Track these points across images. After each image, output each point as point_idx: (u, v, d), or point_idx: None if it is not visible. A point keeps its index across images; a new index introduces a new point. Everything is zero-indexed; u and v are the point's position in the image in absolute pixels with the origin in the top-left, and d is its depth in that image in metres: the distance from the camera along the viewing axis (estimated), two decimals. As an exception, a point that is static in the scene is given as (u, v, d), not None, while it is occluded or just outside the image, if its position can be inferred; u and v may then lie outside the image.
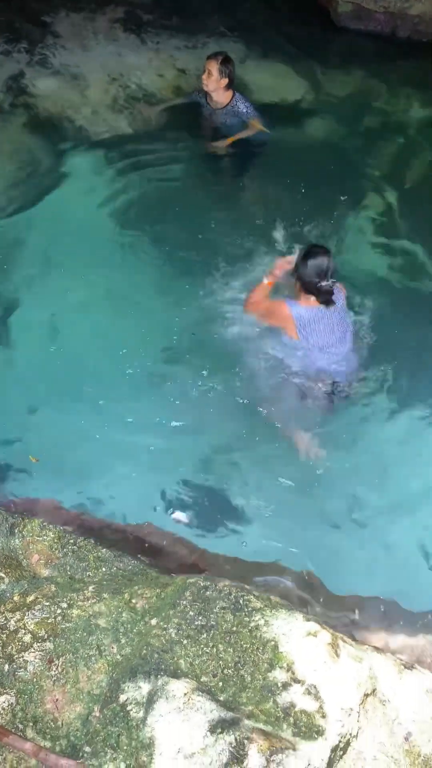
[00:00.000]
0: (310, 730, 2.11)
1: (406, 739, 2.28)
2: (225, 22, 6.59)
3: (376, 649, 2.58)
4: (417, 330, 4.40)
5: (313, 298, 3.68)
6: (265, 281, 3.97)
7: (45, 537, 2.87)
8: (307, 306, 3.71)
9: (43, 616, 2.45)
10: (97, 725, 2.11)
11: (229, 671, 2.25)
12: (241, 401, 4.07)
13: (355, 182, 5.30)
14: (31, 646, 2.36)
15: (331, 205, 5.09)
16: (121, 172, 5.25)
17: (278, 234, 4.70)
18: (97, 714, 2.17)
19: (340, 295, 3.82)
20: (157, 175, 5.28)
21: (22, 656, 2.33)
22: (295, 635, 2.35)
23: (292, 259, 3.86)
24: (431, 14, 6.34)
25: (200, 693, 2.13)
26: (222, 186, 5.36)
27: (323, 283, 3.57)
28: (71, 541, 2.87)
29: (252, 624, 2.38)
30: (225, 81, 5.06)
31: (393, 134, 5.76)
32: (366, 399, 4.10)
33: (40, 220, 4.93)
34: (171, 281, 4.66)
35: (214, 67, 4.99)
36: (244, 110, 5.25)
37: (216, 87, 5.08)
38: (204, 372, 4.20)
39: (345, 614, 3.18)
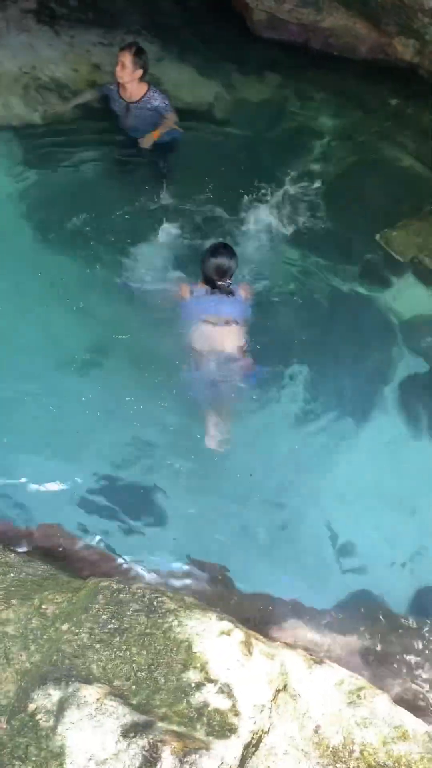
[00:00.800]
0: (223, 728, 2.12)
1: (316, 731, 2.33)
2: (142, 20, 6.52)
3: (287, 645, 2.63)
4: (311, 328, 4.54)
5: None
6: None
7: None
8: (204, 286, 3.99)
9: None
10: (4, 737, 2.04)
11: (143, 674, 2.23)
12: (160, 391, 4.08)
13: (266, 183, 5.39)
14: None
15: (240, 203, 5.17)
16: (30, 164, 5.13)
17: (184, 229, 4.75)
18: (4, 725, 2.09)
19: (237, 296, 4.01)
20: (66, 169, 5.20)
21: None
22: (209, 635, 2.35)
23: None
24: (342, 28, 6.53)
25: (113, 698, 2.10)
26: (131, 181, 5.31)
27: (220, 282, 3.88)
28: (-23, 546, 2.77)
29: (166, 625, 2.37)
30: (139, 72, 4.99)
31: (304, 140, 5.90)
32: (277, 396, 4.20)
33: None
34: (77, 273, 4.61)
35: (127, 57, 4.91)
36: (161, 104, 5.19)
37: (131, 78, 5.00)
38: (122, 364, 4.20)
39: (256, 612, 3.22)
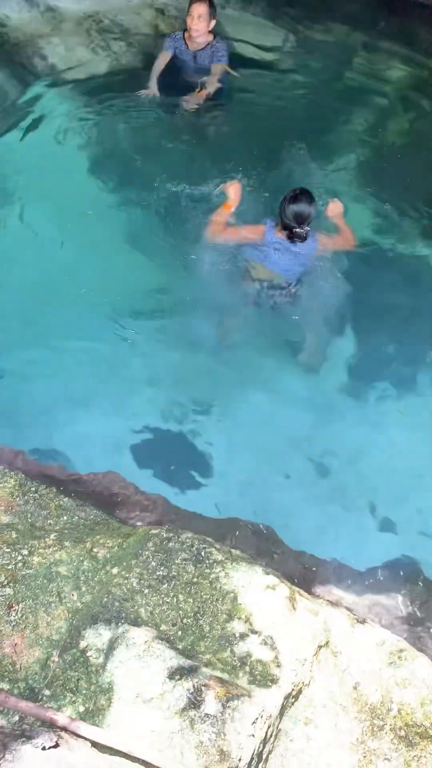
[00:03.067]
0: (265, 678, 2.17)
1: (355, 688, 2.37)
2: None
3: (331, 603, 2.66)
4: (373, 289, 4.45)
5: (283, 234, 3.93)
6: (224, 206, 4.16)
7: (5, 484, 2.84)
8: (277, 235, 3.97)
9: (3, 562, 2.43)
10: (57, 670, 2.14)
11: (189, 621, 2.29)
12: (211, 346, 4.12)
13: (329, 138, 5.25)
14: (-9, 591, 2.35)
15: (302, 158, 5.05)
16: (92, 112, 5.12)
17: (245, 182, 4.68)
18: (56, 659, 2.19)
19: (314, 243, 3.97)
20: (129, 119, 5.14)
21: (-19, 601, 2.32)
22: (254, 588, 2.40)
23: (237, 184, 4.22)
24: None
25: (160, 641, 2.17)
26: (194, 132, 5.24)
27: (298, 230, 3.82)
28: (32, 488, 2.85)
29: (212, 576, 2.42)
30: (213, 23, 4.95)
31: (371, 93, 5.69)
32: (333, 361, 4.16)
33: (5, 159, 4.77)
34: (136, 223, 4.63)
35: (204, 9, 4.86)
36: (220, 53, 5.13)
37: (205, 29, 4.95)
38: (170, 313, 4.23)
39: (299, 569, 3.26)
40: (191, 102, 5.13)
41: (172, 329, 4.25)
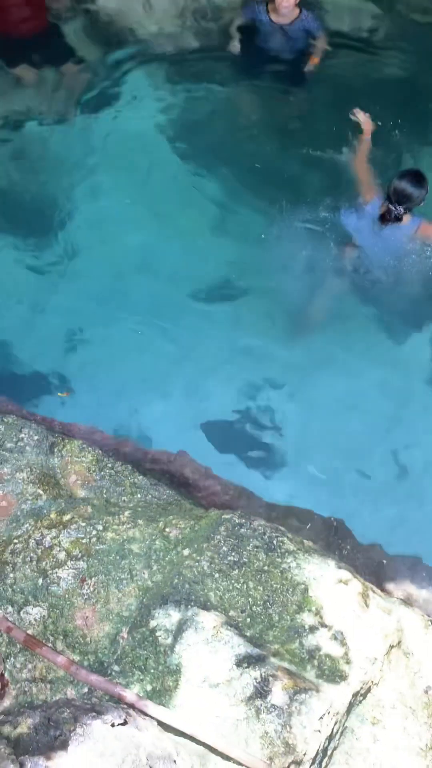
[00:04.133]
0: (333, 674, 2.13)
1: (426, 692, 2.30)
2: None
3: (404, 602, 2.59)
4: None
5: None
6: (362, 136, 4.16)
7: (83, 458, 2.88)
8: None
9: (78, 536, 2.48)
10: (126, 647, 2.16)
11: (258, 609, 2.27)
12: (290, 330, 4.07)
13: (426, 120, 5.02)
14: (65, 564, 2.39)
15: (405, 139, 4.85)
16: (184, 91, 5.06)
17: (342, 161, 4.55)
18: (125, 636, 2.21)
19: (410, 229, 3.80)
20: (221, 96, 5.06)
21: (56, 572, 2.37)
22: (326, 581, 2.35)
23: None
24: None
25: (228, 627, 2.16)
26: (286, 111, 5.12)
27: (392, 207, 3.67)
28: (109, 465, 2.89)
29: (284, 565, 2.38)
30: None
31: None
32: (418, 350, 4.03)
33: (95, 135, 4.81)
34: (221, 203, 4.59)
35: None
36: (314, 25, 4.97)
37: (293, 4, 4.79)
38: (248, 296, 4.19)
39: (370, 564, 3.19)
40: (309, 65, 5.03)
41: (249, 312, 4.20)
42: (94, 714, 1.65)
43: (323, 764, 2.05)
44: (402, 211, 3.67)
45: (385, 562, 3.22)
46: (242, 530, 2.49)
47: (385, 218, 3.73)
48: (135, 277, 4.26)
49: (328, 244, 4.10)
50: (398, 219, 3.73)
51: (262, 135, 4.96)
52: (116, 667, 2.09)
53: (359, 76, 5.33)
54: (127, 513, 2.61)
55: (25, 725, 1.60)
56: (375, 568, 3.16)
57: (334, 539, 3.21)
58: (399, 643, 2.36)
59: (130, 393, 3.78)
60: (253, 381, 3.95)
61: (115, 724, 1.64)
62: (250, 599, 2.29)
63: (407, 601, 2.86)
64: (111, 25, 5.31)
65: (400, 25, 5.62)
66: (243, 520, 2.53)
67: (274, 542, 2.45)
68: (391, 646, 2.31)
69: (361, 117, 4.20)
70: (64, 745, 1.52)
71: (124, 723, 1.67)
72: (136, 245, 4.37)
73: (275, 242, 4.36)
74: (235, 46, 5.09)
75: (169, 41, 5.30)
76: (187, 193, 4.62)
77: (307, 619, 2.26)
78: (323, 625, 2.24)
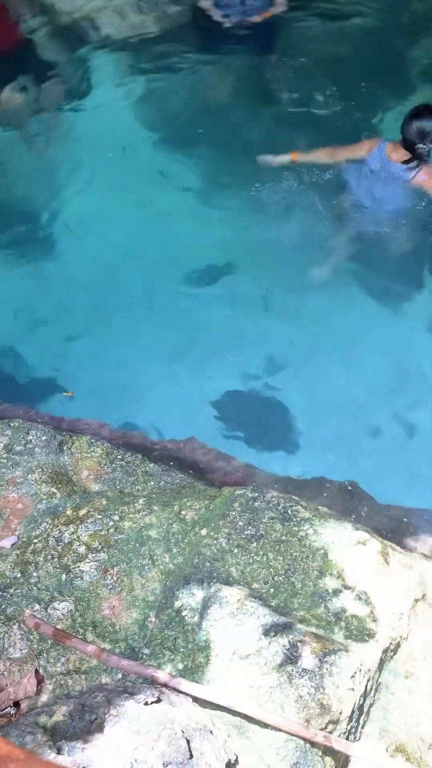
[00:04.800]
0: (361, 633, 2.15)
1: (456, 641, 2.32)
2: None
3: (425, 556, 2.60)
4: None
5: (400, 154, 3.77)
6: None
7: (93, 453, 2.91)
8: (388, 154, 3.82)
9: (96, 528, 2.51)
10: (154, 629, 2.19)
11: (280, 578, 2.29)
12: (286, 301, 4.06)
13: (400, 72, 4.99)
14: (86, 557, 2.42)
15: (375, 100, 4.83)
16: (151, 75, 5.07)
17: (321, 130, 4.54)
18: (153, 619, 2.24)
19: (406, 176, 3.81)
20: (190, 76, 5.04)
21: (78, 566, 2.40)
22: (344, 544, 2.37)
23: None
24: None
25: (252, 599, 2.18)
26: (255, 81, 5.10)
27: (421, 146, 3.64)
28: (119, 456, 2.91)
29: (301, 533, 2.40)
30: None
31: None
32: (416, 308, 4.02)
33: (69, 133, 4.81)
34: (203, 181, 4.59)
35: None
36: None
37: None
38: (243, 271, 4.20)
39: (389, 523, 3.20)
40: (257, 17, 5.02)
41: (245, 287, 4.20)
42: (127, 695, 1.68)
43: (361, 721, 2.08)
44: (431, 146, 3.63)
45: (405, 519, 3.24)
46: (256, 504, 2.51)
47: (414, 160, 3.71)
48: (125, 268, 4.26)
49: (319, 201, 4.11)
50: (428, 158, 3.68)
51: (235, 108, 4.95)
52: (146, 650, 2.13)
53: (325, 40, 5.29)
54: (141, 501, 2.63)
55: (60, 713, 1.63)
56: (395, 527, 3.17)
57: (351, 503, 3.22)
58: (424, 596, 2.38)
59: (134, 385, 3.80)
60: (255, 360, 3.94)
61: (149, 702, 1.67)
62: (271, 570, 2.32)
63: (430, 556, 2.87)
64: (73, 24, 5.30)
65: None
66: (256, 494, 2.55)
67: (289, 512, 2.47)
68: (416, 600, 2.33)
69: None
70: (100, 728, 1.55)
71: (158, 701, 1.70)
72: (123, 236, 4.37)
73: (264, 210, 4.37)
74: (215, 12, 5.06)
75: (130, 29, 5.31)
76: (166, 177, 4.62)
77: (330, 582, 2.28)
78: (346, 587, 2.26)
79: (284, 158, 4.17)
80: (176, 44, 5.23)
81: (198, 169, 4.64)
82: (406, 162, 3.76)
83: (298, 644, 2.04)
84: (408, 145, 3.70)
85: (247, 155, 4.62)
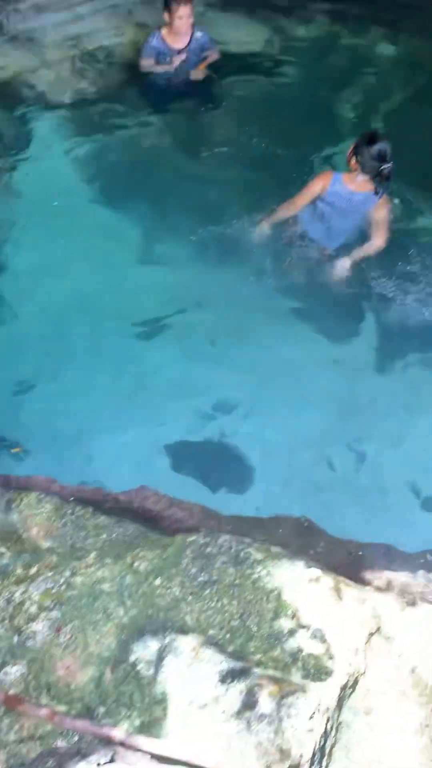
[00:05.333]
0: (318, 672, 2.15)
1: (413, 671, 2.33)
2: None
3: (378, 589, 2.62)
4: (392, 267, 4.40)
5: (359, 179, 3.99)
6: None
7: (43, 509, 2.87)
8: (345, 184, 4.05)
9: (47, 586, 2.46)
10: (110, 686, 2.15)
11: (236, 623, 2.28)
12: (233, 344, 4.14)
13: (329, 120, 5.25)
14: (38, 617, 2.38)
15: (307, 143, 5.07)
16: (90, 131, 5.23)
17: (253, 179, 4.71)
18: (109, 676, 2.20)
19: (371, 199, 4.05)
20: (126, 132, 5.24)
21: (30, 627, 2.35)
22: (298, 582, 2.38)
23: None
24: None
25: (208, 646, 2.17)
26: (189, 137, 5.29)
27: (385, 167, 3.87)
28: (69, 511, 2.88)
29: (254, 575, 2.41)
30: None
31: (361, 72, 5.67)
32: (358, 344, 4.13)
33: (10, 189, 4.87)
34: (145, 234, 4.70)
35: (190, 9, 4.97)
36: (206, 40, 5.29)
37: (189, 27, 5.03)
38: (188, 317, 4.30)
39: (345, 559, 3.22)
40: (197, 75, 5.26)
41: (192, 332, 4.27)
42: (79, 757, 1.65)
43: (323, 763, 2.06)
44: (393, 166, 3.85)
45: (360, 553, 3.26)
46: (208, 549, 2.51)
47: (382, 181, 3.93)
48: (74, 320, 4.29)
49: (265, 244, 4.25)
50: (390, 177, 3.91)
51: (175, 160, 5.13)
52: (102, 709, 2.08)
53: (259, 93, 5.55)
54: (93, 555, 2.61)
55: (9, 783, 1.58)
56: (351, 561, 3.18)
57: (306, 539, 3.23)
58: (378, 629, 2.39)
59: (85, 436, 3.79)
60: (205, 403, 3.99)
61: (101, 763, 1.63)
62: (226, 615, 2.31)
63: (387, 589, 2.89)
64: (9, 84, 5.41)
65: (285, 45, 5.88)
66: (208, 539, 2.55)
67: (242, 554, 2.48)
68: (371, 634, 2.35)
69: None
70: (51, 795, 1.51)
71: (112, 761, 1.67)
72: (70, 288, 4.42)
73: (208, 257, 4.49)
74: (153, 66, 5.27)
75: (68, 88, 5.46)
76: (111, 229, 4.71)
77: (285, 623, 2.28)
78: (301, 626, 2.27)
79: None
80: (114, 101, 5.41)
81: (142, 220, 4.76)
82: (375, 183, 3.94)
83: (256, 689, 2.03)
84: (369, 169, 3.90)
85: (189, 204, 4.77)
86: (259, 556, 2.47)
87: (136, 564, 2.53)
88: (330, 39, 5.99)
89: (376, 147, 3.83)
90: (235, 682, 2.05)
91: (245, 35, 5.97)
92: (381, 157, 3.84)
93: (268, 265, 4.43)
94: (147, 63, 5.25)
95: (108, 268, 4.54)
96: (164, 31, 5.11)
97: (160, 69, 5.24)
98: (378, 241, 4.16)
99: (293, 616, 2.29)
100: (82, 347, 4.17)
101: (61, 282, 4.41)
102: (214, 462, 3.77)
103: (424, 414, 3.93)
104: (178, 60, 5.17)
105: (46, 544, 2.74)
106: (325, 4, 6.14)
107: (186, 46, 5.15)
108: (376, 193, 3.99)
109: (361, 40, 5.98)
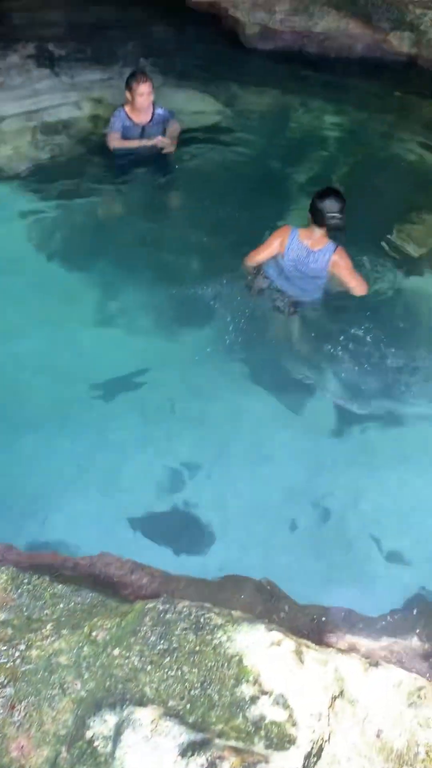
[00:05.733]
0: (282, 740, 2.10)
1: (378, 736, 2.28)
2: (138, 50, 6.69)
3: (341, 650, 2.60)
4: (347, 331, 4.52)
5: (316, 234, 4.18)
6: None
7: (-3, 580, 2.79)
8: (301, 240, 4.23)
9: (1, 661, 2.38)
10: (65, 767, 2.06)
11: (196, 692, 2.23)
12: (194, 407, 4.17)
13: (280, 190, 5.45)
14: (-9, 694, 2.29)
15: (262, 207, 5.25)
16: (46, 200, 5.30)
17: (211, 243, 4.83)
18: (65, 755, 2.12)
19: (329, 255, 4.22)
20: (84, 200, 5.35)
21: (-18, 705, 2.25)
22: (259, 647, 2.34)
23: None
24: (336, 30, 6.56)
25: (168, 718, 2.10)
26: (148, 205, 5.44)
27: (336, 219, 4.06)
28: (25, 580, 2.80)
29: (215, 641, 2.36)
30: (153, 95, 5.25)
31: (310, 144, 5.94)
32: (318, 397, 4.21)
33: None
34: (103, 301, 4.75)
35: (148, 86, 5.18)
36: (166, 114, 5.51)
37: (150, 103, 5.24)
38: (145, 380, 4.31)
39: (307, 622, 3.18)
40: (168, 148, 5.45)
41: (151, 394, 4.28)
42: None
43: None
44: (343, 218, 4.04)
45: (324, 618, 3.23)
46: (168, 615, 2.46)
47: (337, 231, 4.12)
48: (31, 383, 4.26)
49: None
50: (344, 228, 4.09)
51: (133, 224, 5.25)
52: (57, 791, 1.99)
53: (214, 161, 5.76)
54: (50, 626, 2.53)
55: None
56: (314, 625, 3.16)
57: (269, 603, 3.19)
58: (341, 692, 2.35)
59: (43, 502, 3.72)
60: (166, 465, 3.97)
61: None
62: (186, 684, 2.25)
63: (350, 651, 2.86)
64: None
65: (238, 117, 6.16)
66: (167, 605, 2.50)
67: (202, 620, 2.44)
68: (334, 697, 2.31)
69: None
70: None
71: None
72: (27, 351, 4.41)
73: (167, 317, 4.55)
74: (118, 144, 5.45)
75: (26, 159, 5.57)
76: (68, 292, 4.76)
77: (247, 690, 2.23)
78: (263, 692, 2.22)
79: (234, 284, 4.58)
80: (72, 171, 5.54)
81: (100, 282, 4.84)
82: (329, 236, 4.11)
83: (217, 761, 1.97)
84: (321, 221, 4.10)
85: (146, 267, 4.87)
86: (219, 620, 2.43)
87: (94, 634, 2.47)
88: (281, 111, 6.29)
89: (327, 200, 4.04)
90: (195, 755, 1.99)
91: (200, 107, 6.24)
92: (331, 209, 4.03)
93: (228, 324, 4.51)
94: (116, 139, 5.43)
95: (65, 330, 4.56)
96: (127, 108, 5.33)
97: (134, 144, 5.42)
98: (357, 290, 4.34)
99: (255, 682, 2.24)
100: (40, 411, 4.13)
101: (17, 345, 4.41)
102: (176, 525, 3.73)
103: (383, 470, 3.98)
104: (159, 142, 5.38)
105: (0, 616, 2.65)
106: (275, 79, 6.48)
107: (149, 121, 5.37)
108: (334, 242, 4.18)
109: (310, 109, 6.30)
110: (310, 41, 6.71)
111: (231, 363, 4.42)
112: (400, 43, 6.40)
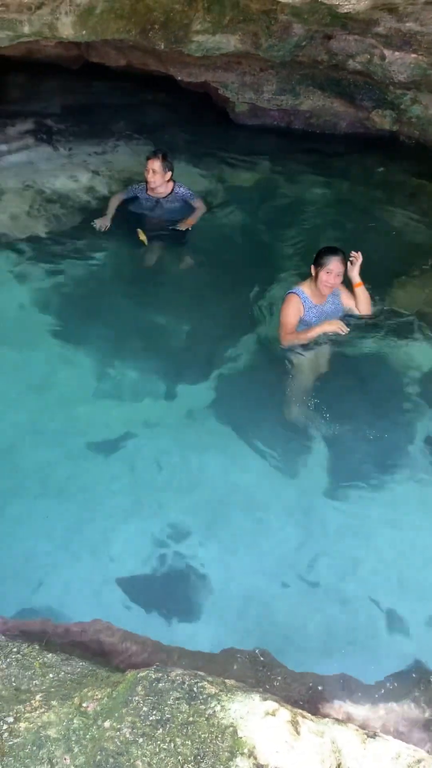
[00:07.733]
0: None
1: None
2: (131, 126, 7.00)
3: (337, 721, 2.53)
4: (329, 390, 4.62)
5: (319, 292, 4.53)
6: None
7: (-14, 649, 2.73)
8: (311, 301, 4.58)
9: (-11, 734, 2.31)
10: None
11: (189, 766, 2.16)
12: (187, 470, 4.16)
13: (271, 259, 5.61)
14: (-23, 770, 2.21)
15: (253, 281, 5.38)
16: (42, 268, 5.41)
17: (203, 309, 4.93)
18: None
19: (338, 297, 4.65)
20: (79, 268, 5.47)
21: (-32, 783, 2.17)
22: (253, 717, 2.29)
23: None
24: (321, 109, 6.91)
25: (160, 794, 2.03)
26: (143, 277, 5.56)
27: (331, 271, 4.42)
28: (14, 649, 2.75)
29: (208, 711, 2.31)
30: (169, 174, 5.45)
31: (298, 215, 6.14)
32: (297, 466, 4.20)
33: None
34: (102, 361, 4.82)
35: (157, 165, 5.37)
36: (188, 192, 5.69)
37: (162, 182, 5.42)
38: (151, 446, 4.31)
39: (303, 691, 3.11)
40: (183, 225, 5.63)
41: (143, 455, 4.28)
42: None
43: None
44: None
45: (320, 687, 3.15)
46: (160, 685, 2.41)
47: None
48: (23, 447, 4.26)
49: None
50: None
51: (129, 291, 5.36)
52: None
53: (207, 232, 5.93)
54: (39, 697, 2.47)
55: None
56: (310, 694, 3.09)
57: (262, 673, 3.13)
58: (339, 765, 2.29)
59: (33, 567, 3.65)
60: (157, 530, 3.92)
61: None
62: (180, 757, 2.19)
63: (347, 720, 2.79)
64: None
65: (228, 191, 6.39)
66: (160, 674, 2.45)
67: (195, 689, 2.38)
68: (332, 770, 2.24)
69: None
70: None
71: None
72: (22, 420, 4.42)
73: (159, 378, 4.59)
74: (104, 223, 5.58)
75: (23, 228, 5.73)
76: (61, 357, 4.81)
77: (242, 763, 2.16)
78: (259, 766, 2.16)
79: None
80: (69, 240, 5.69)
81: (94, 347, 4.89)
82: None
83: None
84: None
85: (141, 332, 4.95)
86: (213, 690, 2.38)
87: (84, 705, 2.40)
88: (269, 183, 6.55)
89: (327, 255, 4.44)
90: None
91: (191, 181, 6.48)
92: (327, 264, 4.42)
93: (221, 387, 4.56)
94: (116, 198, 5.69)
95: (57, 393, 4.59)
96: (145, 185, 5.54)
97: (104, 219, 5.62)
98: (367, 312, 4.80)
99: (250, 755, 2.18)
100: (31, 476, 4.12)
101: (13, 414, 4.43)
102: (167, 593, 3.66)
103: (374, 535, 3.96)
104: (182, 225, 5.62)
105: (-12, 687, 2.58)
106: (264, 153, 6.77)
107: (166, 196, 5.56)
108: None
109: (297, 183, 6.55)
110: (296, 118, 7.05)
111: (224, 426, 4.44)
112: (382, 121, 6.74)
